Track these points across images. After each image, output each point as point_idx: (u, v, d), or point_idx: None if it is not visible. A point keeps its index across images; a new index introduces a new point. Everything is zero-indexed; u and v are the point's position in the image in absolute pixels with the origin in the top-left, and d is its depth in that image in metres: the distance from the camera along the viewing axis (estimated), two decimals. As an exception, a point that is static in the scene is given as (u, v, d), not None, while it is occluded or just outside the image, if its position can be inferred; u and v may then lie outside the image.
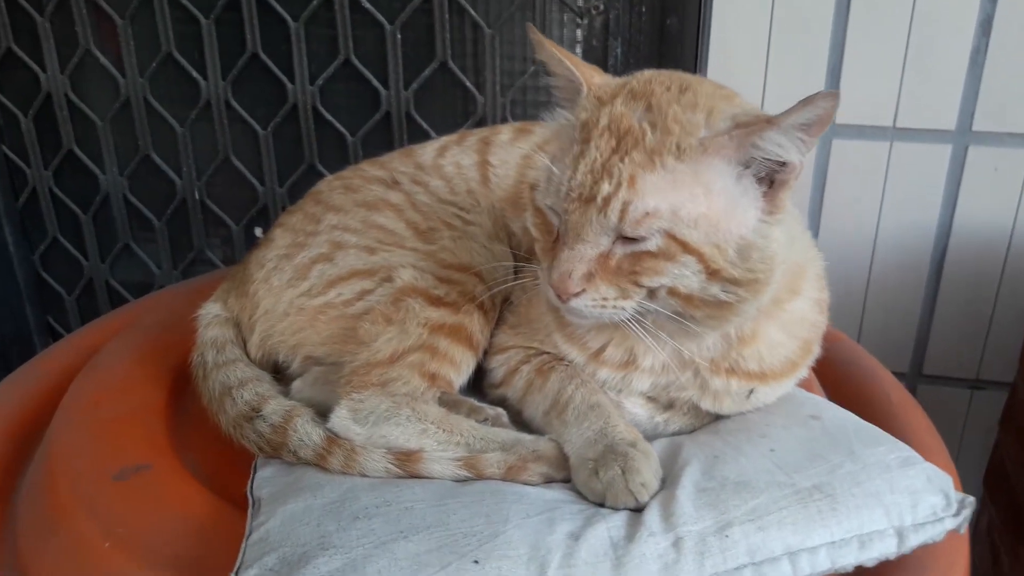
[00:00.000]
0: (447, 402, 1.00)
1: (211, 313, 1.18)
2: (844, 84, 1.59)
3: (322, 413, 1.00)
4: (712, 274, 0.83)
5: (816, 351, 1.04)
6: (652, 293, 0.85)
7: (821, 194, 1.69)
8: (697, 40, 1.62)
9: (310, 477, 0.91)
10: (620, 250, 0.84)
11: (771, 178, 0.84)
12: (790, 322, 0.98)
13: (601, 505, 0.85)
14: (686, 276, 0.83)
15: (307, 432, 0.96)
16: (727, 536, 0.78)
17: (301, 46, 1.77)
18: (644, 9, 1.65)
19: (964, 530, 0.86)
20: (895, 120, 1.60)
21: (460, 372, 1.04)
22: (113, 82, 1.87)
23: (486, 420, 0.98)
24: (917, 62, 1.55)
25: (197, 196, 1.95)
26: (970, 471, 1.79)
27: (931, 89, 1.57)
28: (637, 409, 1.00)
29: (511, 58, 1.75)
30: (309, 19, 1.74)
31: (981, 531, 1.72)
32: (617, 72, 1.73)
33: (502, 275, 1.06)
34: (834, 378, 1.30)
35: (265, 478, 0.94)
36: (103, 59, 1.85)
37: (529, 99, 1.79)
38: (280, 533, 0.81)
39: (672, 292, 0.84)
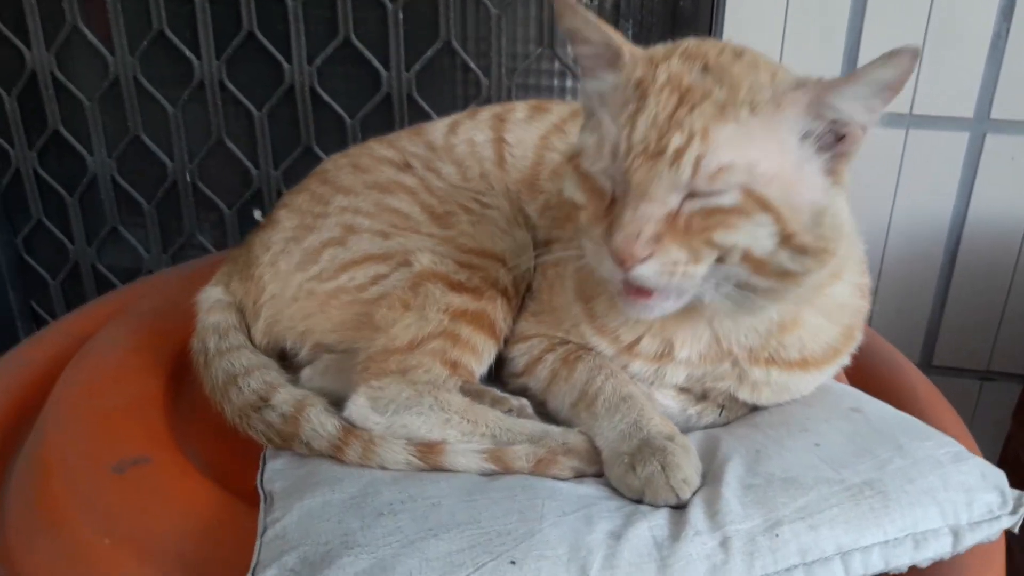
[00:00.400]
0: (469, 392, 0.95)
1: (212, 297, 1.12)
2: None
3: (334, 403, 0.95)
4: (785, 239, 0.77)
5: (858, 338, 0.99)
6: (723, 260, 0.78)
7: (834, 182, 1.65)
8: (711, 21, 1.57)
9: (325, 470, 0.86)
10: (690, 208, 0.76)
11: (833, 146, 0.79)
12: (832, 307, 0.94)
13: (639, 502, 0.80)
14: (760, 237, 0.76)
15: (321, 423, 0.90)
16: (777, 535, 0.74)
17: (299, 25, 1.71)
18: (656, -11, 1.61)
19: (1018, 529, 0.82)
20: (912, 107, 1.57)
21: (482, 361, 0.99)
22: (102, 60, 1.80)
23: (510, 411, 0.93)
24: (936, 47, 1.52)
25: (189, 179, 1.89)
26: (981, 465, 1.76)
27: (949, 75, 1.53)
28: (669, 401, 0.95)
29: (517, 40, 1.69)
30: (308, -3, 1.68)
31: (993, 526, 1.70)
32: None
33: (525, 260, 1.01)
34: (857, 370, 1.26)
35: (276, 470, 0.88)
36: (91, 36, 1.78)
37: (532, 83, 1.74)
38: (299, 530, 0.76)
39: (745, 257, 0.77)
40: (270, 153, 1.84)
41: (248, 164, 1.86)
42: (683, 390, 0.97)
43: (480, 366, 0.99)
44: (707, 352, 0.92)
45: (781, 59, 1.55)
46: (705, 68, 0.78)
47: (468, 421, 0.90)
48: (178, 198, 1.92)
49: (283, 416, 0.92)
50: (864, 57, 1.55)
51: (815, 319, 0.93)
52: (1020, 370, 1.68)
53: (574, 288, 0.98)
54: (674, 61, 0.79)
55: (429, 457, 0.86)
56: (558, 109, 1.19)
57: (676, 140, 0.75)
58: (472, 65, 1.70)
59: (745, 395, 0.95)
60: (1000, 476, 0.84)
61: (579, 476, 0.86)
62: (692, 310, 0.87)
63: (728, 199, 0.76)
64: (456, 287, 0.98)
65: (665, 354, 0.93)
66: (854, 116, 0.77)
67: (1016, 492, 0.83)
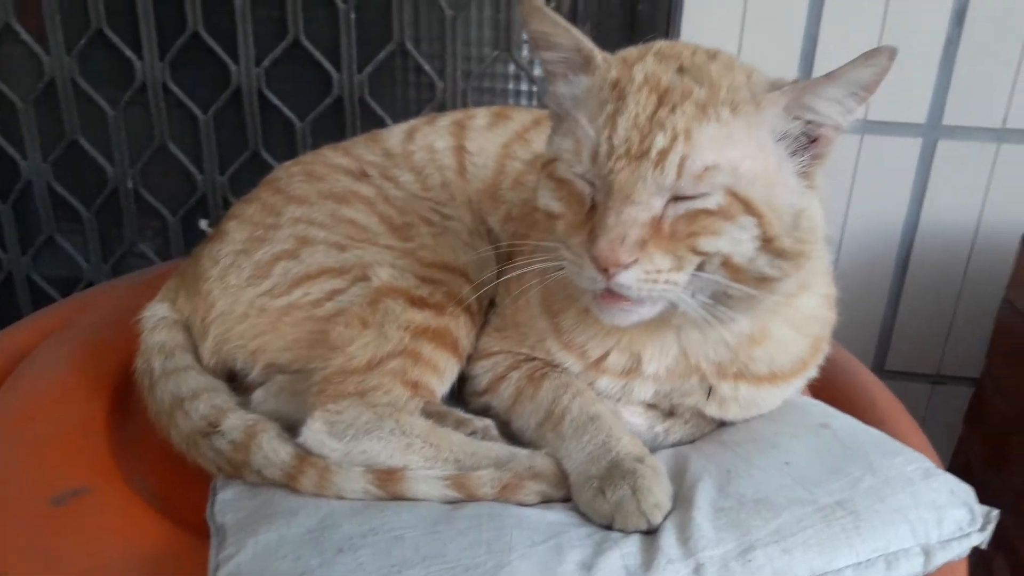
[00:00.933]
0: (431, 413, 0.91)
1: (157, 315, 1.07)
2: (816, 74, 1.55)
3: (289, 427, 0.90)
4: (766, 243, 0.76)
5: (826, 349, 0.99)
6: (702, 266, 0.76)
7: (789, 188, 1.65)
8: (668, 26, 1.56)
9: (280, 500, 0.82)
10: (673, 211, 0.74)
11: (807, 149, 0.79)
12: (800, 319, 0.93)
13: (609, 528, 0.78)
14: (742, 242, 0.75)
15: (274, 449, 0.86)
16: (750, 560, 0.72)
17: (246, 25, 1.65)
18: (614, -7, 1.60)
19: (986, 545, 0.82)
20: (866, 112, 1.57)
21: (444, 380, 0.95)
22: (36, 60, 1.71)
23: (474, 433, 0.90)
24: (890, 54, 1.53)
25: (130, 185, 1.81)
26: (933, 467, 1.79)
27: (903, 82, 1.55)
28: (637, 419, 0.93)
29: (472, 42, 1.66)
30: (256, -4, 1.63)
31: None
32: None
33: (488, 275, 0.98)
34: (817, 379, 1.26)
35: (227, 501, 0.84)
36: (24, 35, 1.69)
37: (487, 86, 1.71)
38: (253, 568, 0.72)
39: (725, 263, 0.76)
40: (216, 158, 1.78)
41: (193, 169, 1.79)
42: (650, 407, 0.95)
43: (442, 385, 0.96)
44: (675, 367, 0.91)
45: (738, 65, 1.56)
46: (681, 69, 0.77)
47: (431, 445, 0.87)
48: (119, 205, 1.83)
49: (233, 443, 0.88)
50: (820, 64, 1.55)
51: (784, 331, 0.92)
52: (970, 374, 1.70)
53: (539, 302, 0.95)
54: (649, 61, 0.78)
55: (388, 485, 0.83)
56: (520, 116, 1.16)
57: (660, 141, 0.73)
58: (426, 67, 1.67)
59: (713, 411, 0.94)
60: (968, 492, 0.85)
61: (546, 501, 0.84)
62: (661, 323, 0.85)
63: (713, 201, 0.75)
64: (417, 303, 0.94)
65: (633, 369, 0.91)
66: (830, 116, 0.77)
67: (984, 508, 0.83)
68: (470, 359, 1.00)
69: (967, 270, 1.67)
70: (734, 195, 0.74)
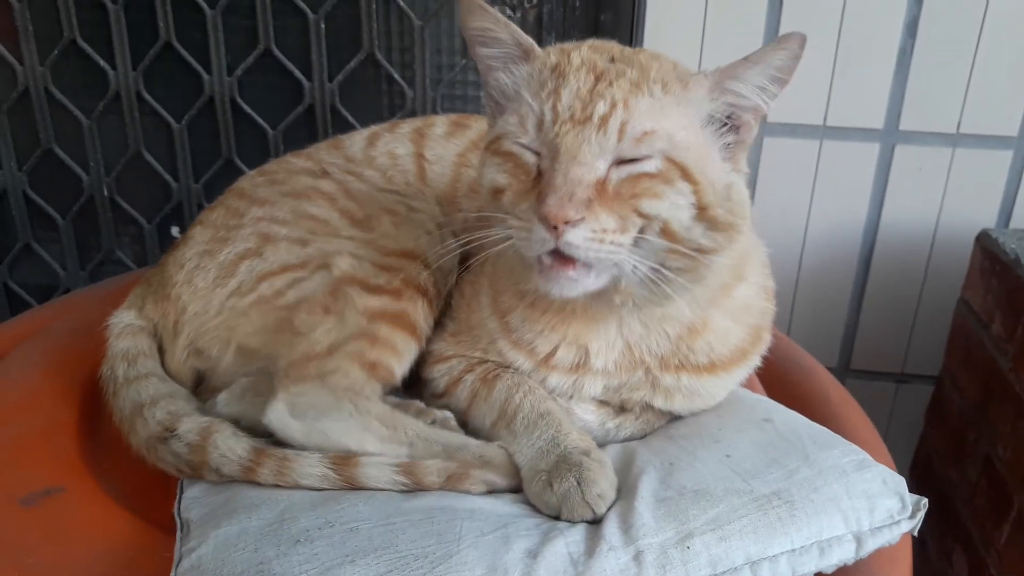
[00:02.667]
0: (394, 404, 0.94)
1: (123, 322, 1.09)
2: (776, 82, 1.59)
3: (250, 429, 0.93)
4: (701, 210, 0.80)
5: (767, 339, 1.02)
6: (643, 233, 0.80)
7: (752, 191, 1.69)
8: (631, 37, 1.60)
9: (244, 496, 0.84)
10: (616, 175, 0.79)
11: (729, 135, 0.84)
12: (737, 309, 0.97)
13: (556, 518, 0.81)
14: (680, 207, 0.79)
15: (229, 447, 0.89)
16: (688, 548, 0.76)
17: (218, 35, 1.68)
18: (578, 4, 1.63)
19: (916, 531, 0.86)
20: (825, 119, 1.61)
21: (402, 360, 0.99)
22: (10, 70, 1.73)
23: (434, 422, 0.93)
24: (846, 62, 1.57)
25: (106, 193, 1.83)
26: (897, 463, 1.82)
27: (860, 89, 1.58)
28: (588, 415, 0.96)
29: (442, 51, 1.69)
30: (227, 7, 1.65)
31: (908, 523, 1.76)
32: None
33: (449, 262, 1.02)
34: (772, 376, 1.29)
35: (193, 498, 0.87)
36: (-2, 45, 1.72)
37: (459, 93, 1.74)
38: (214, 560, 0.75)
39: (665, 229, 0.79)
40: (190, 166, 1.80)
41: (167, 177, 1.81)
42: (602, 403, 0.98)
43: (400, 365, 0.99)
44: (621, 360, 0.94)
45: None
46: (612, 58, 0.83)
47: (387, 427, 0.91)
48: (95, 213, 1.86)
49: (189, 445, 0.91)
50: (779, 71, 1.58)
51: (723, 322, 0.95)
52: (933, 372, 1.74)
53: (489, 303, 0.99)
54: (584, 50, 0.84)
55: (344, 469, 0.86)
56: (477, 125, 1.19)
57: (600, 108, 0.78)
58: (396, 76, 1.69)
59: (660, 403, 0.97)
60: (900, 482, 0.88)
61: (492, 491, 0.87)
62: (604, 311, 0.90)
63: (652, 165, 0.79)
64: (375, 290, 0.98)
65: (581, 364, 0.95)
66: (749, 98, 0.82)
67: (915, 497, 0.87)
68: (427, 362, 1.03)
69: (927, 271, 1.71)
70: (671, 160, 0.79)
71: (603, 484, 0.82)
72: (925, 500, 0.87)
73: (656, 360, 0.94)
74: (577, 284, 0.81)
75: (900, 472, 1.74)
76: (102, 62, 1.71)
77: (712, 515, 0.79)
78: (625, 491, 0.84)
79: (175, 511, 0.87)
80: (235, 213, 1.08)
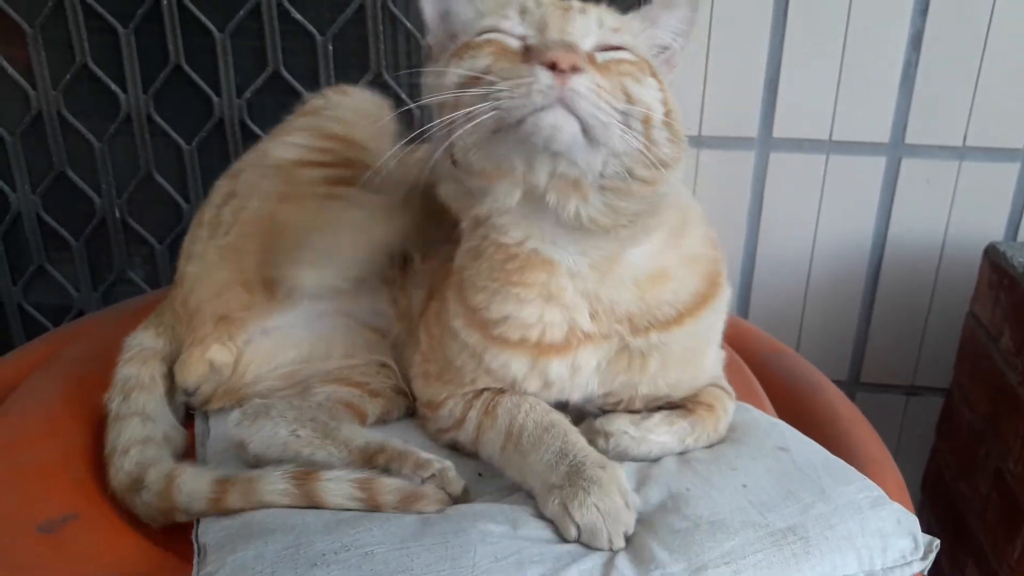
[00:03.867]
0: (390, 453, 0.92)
1: (135, 345, 1.11)
2: (781, 99, 1.61)
3: (256, 456, 0.94)
4: (667, 114, 0.83)
5: (725, 287, 1.01)
6: (627, 116, 0.79)
7: (760, 206, 1.70)
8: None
9: (259, 521, 0.85)
10: (602, 57, 0.81)
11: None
12: (688, 257, 0.96)
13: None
14: (656, 101, 0.82)
15: (192, 488, 0.90)
16: (701, 581, 0.76)
17: (227, 57, 1.70)
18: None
19: (927, 572, 0.86)
20: (831, 133, 1.62)
21: None
22: (23, 95, 1.75)
23: (432, 476, 0.89)
24: (851, 77, 1.58)
25: (118, 214, 1.85)
26: (908, 476, 1.81)
27: (865, 103, 1.59)
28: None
29: (448, 70, 1.71)
30: (236, 30, 1.67)
31: (921, 536, 1.76)
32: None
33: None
34: (782, 393, 1.30)
35: (210, 524, 0.87)
36: (11, 70, 1.73)
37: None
38: (230, 583, 0.75)
39: (645, 120, 0.80)
40: (200, 187, 1.82)
41: (178, 198, 1.83)
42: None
43: None
44: (595, 323, 0.93)
45: (704, 92, 1.61)
46: None
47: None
48: (107, 234, 1.87)
49: (157, 494, 0.92)
50: (784, 87, 1.60)
51: (679, 269, 0.95)
52: (943, 384, 1.74)
53: (461, 318, 0.96)
54: None
55: (304, 484, 0.87)
56: None
57: (576, 3, 0.85)
58: (404, 96, 1.71)
59: (645, 386, 0.97)
60: (914, 522, 0.88)
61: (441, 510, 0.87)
62: (548, 250, 0.88)
63: (629, 55, 0.83)
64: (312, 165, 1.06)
65: (571, 333, 0.93)
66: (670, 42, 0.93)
67: (927, 538, 0.87)
68: (424, 408, 1.05)
69: (935, 283, 1.71)
70: (642, 58, 0.84)
71: (625, 516, 0.82)
72: (937, 541, 0.87)
73: (626, 324, 0.93)
74: (568, 125, 0.76)
75: (912, 485, 1.75)
76: (113, 86, 1.73)
77: (727, 548, 0.79)
78: (639, 518, 0.83)
79: (193, 536, 0.87)
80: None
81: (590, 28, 0.82)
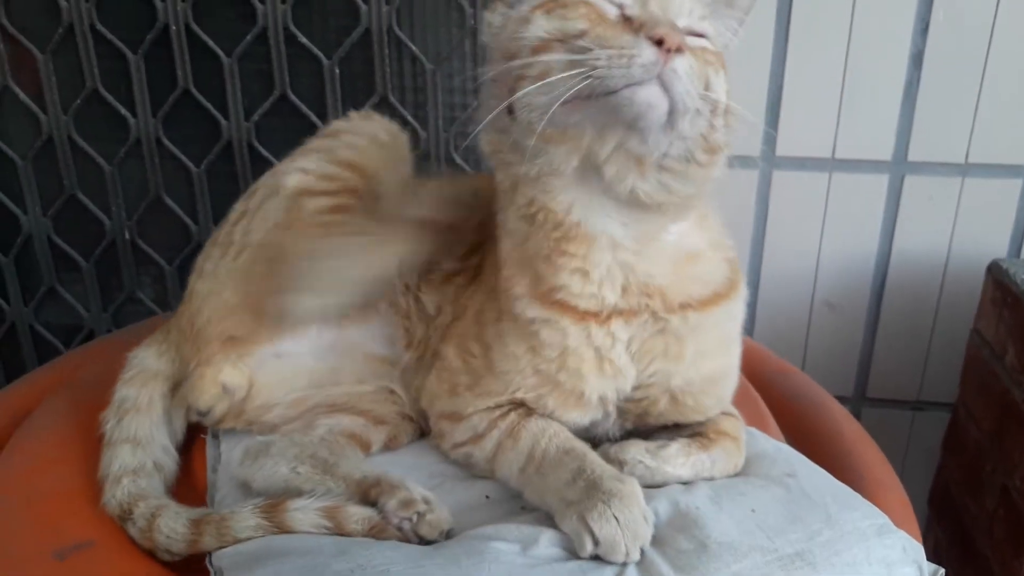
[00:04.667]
0: (390, 486, 0.93)
1: (138, 363, 1.13)
2: (783, 118, 1.62)
3: (260, 493, 0.96)
4: (726, 106, 0.84)
5: (742, 278, 1.01)
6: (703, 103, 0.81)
7: (764, 224, 1.71)
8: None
9: (276, 545, 0.86)
10: (691, 42, 0.81)
11: None
12: (716, 243, 0.98)
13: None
14: (723, 93, 0.83)
15: (171, 528, 0.92)
16: (708, 599, 0.77)
17: (235, 81, 1.72)
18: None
19: None
20: (834, 151, 1.63)
21: None
22: (34, 120, 1.78)
23: (417, 515, 0.89)
24: (853, 95, 1.59)
25: (127, 236, 1.87)
26: (915, 491, 1.82)
27: (867, 121, 1.60)
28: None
29: (453, 92, 1.73)
30: (243, 54, 1.69)
31: (928, 554, 1.76)
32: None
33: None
34: (787, 413, 1.31)
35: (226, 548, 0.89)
36: (23, 96, 1.76)
37: (471, 131, 1.76)
38: (248, 603, 0.77)
39: (714, 109, 0.82)
40: (209, 209, 1.84)
41: (187, 220, 1.85)
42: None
43: None
44: (627, 297, 0.92)
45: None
46: None
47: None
48: (117, 256, 1.89)
49: (141, 530, 0.94)
50: (786, 106, 1.61)
51: (709, 251, 0.96)
52: (949, 400, 1.74)
53: (527, 284, 0.94)
54: None
55: (274, 516, 0.88)
56: None
57: None
58: (409, 118, 1.73)
59: (678, 378, 0.96)
60: (919, 550, 0.89)
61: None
62: (597, 221, 0.88)
63: (710, 45, 0.84)
64: (321, 194, 1.07)
65: (602, 305, 0.92)
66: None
67: (932, 566, 0.88)
68: (443, 421, 1.05)
69: (940, 300, 1.72)
70: (716, 52, 0.84)
71: (643, 529, 0.83)
72: (942, 571, 0.88)
73: (659, 299, 0.92)
74: (661, 103, 0.77)
75: (919, 501, 1.75)
76: (123, 110, 1.75)
77: (735, 570, 0.80)
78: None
79: (208, 560, 0.89)
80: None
81: (684, 10, 0.83)
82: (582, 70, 0.76)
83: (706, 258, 0.95)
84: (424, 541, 0.88)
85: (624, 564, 0.81)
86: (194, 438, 1.14)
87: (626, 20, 0.79)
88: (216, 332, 1.08)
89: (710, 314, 0.95)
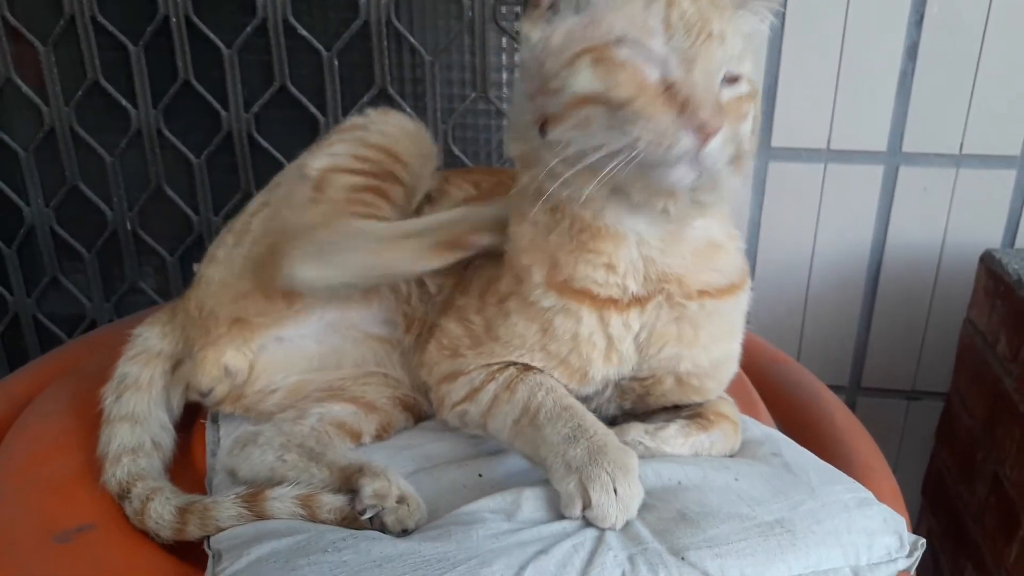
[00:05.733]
0: (371, 474, 0.93)
1: (142, 341, 1.15)
2: (779, 109, 1.63)
3: (247, 481, 0.98)
4: (754, 121, 0.87)
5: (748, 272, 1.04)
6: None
7: (759, 215, 1.72)
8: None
9: (271, 527, 0.88)
10: (726, 94, 0.82)
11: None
12: (731, 233, 0.99)
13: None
14: (750, 123, 0.86)
15: (159, 515, 0.94)
16: (683, 558, 0.79)
17: (235, 73, 1.73)
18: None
19: (914, 571, 0.88)
20: (829, 142, 1.64)
21: (383, 213, 1.07)
22: (36, 111, 1.79)
23: (383, 508, 0.89)
24: (848, 86, 1.60)
25: (129, 227, 1.89)
26: (910, 480, 1.84)
27: (862, 112, 1.61)
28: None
29: (452, 83, 1.74)
30: (243, 46, 1.71)
31: (921, 540, 1.77)
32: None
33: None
34: (780, 401, 1.32)
35: (224, 531, 0.91)
36: (25, 87, 1.78)
37: (470, 122, 1.78)
38: (248, 572, 0.79)
39: (739, 143, 0.84)
40: (210, 199, 1.86)
41: (188, 211, 1.87)
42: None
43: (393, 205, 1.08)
44: (645, 284, 0.94)
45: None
46: None
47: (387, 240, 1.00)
48: (119, 246, 1.91)
49: (136, 511, 0.96)
50: (782, 97, 1.62)
51: (728, 242, 0.98)
52: (943, 389, 1.76)
53: (544, 279, 0.96)
54: None
55: (255, 505, 0.90)
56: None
57: (716, 25, 0.81)
58: (408, 110, 1.74)
59: (687, 362, 0.97)
60: (900, 522, 0.90)
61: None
62: (625, 227, 0.91)
63: (745, 87, 0.84)
64: (351, 172, 1.07)
65: (624, 293, 0.94)
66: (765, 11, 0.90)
67: (913, 536, 0.89)
68: (441, 380, 1.04)
69: (934, 290, 1.73)
70: (750, 81, 0.85)
71: (636, 504, 0.84)
72: (923, 540, 0.89)
73: (677, 284, 0.94)
74: (690, 175, 0.82)
75: (913, 489, 1.77)
76: (124, 101, 1.77)
77: (712, 534, 0.81)
78: None
79: (206, 545, 0.90)
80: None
81: (723, 62, 0.81)
82: (618, 146, 0.80)
83: (725, 249, 0.97)
84: (399, 534, 0.89)
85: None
86: (194, 421, 1.16)
87: (668, 88, 0.80)
88: (224, 316, 1.09)
89: (725, 302, 0.97)
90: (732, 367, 1.07)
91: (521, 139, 0.92)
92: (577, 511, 0.84)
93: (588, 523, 0.84)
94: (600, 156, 0.81)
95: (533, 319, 0.97)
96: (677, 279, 0.94)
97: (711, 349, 0.99)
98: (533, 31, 0.89)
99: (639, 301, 0.94)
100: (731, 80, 0.83)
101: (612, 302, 0.94)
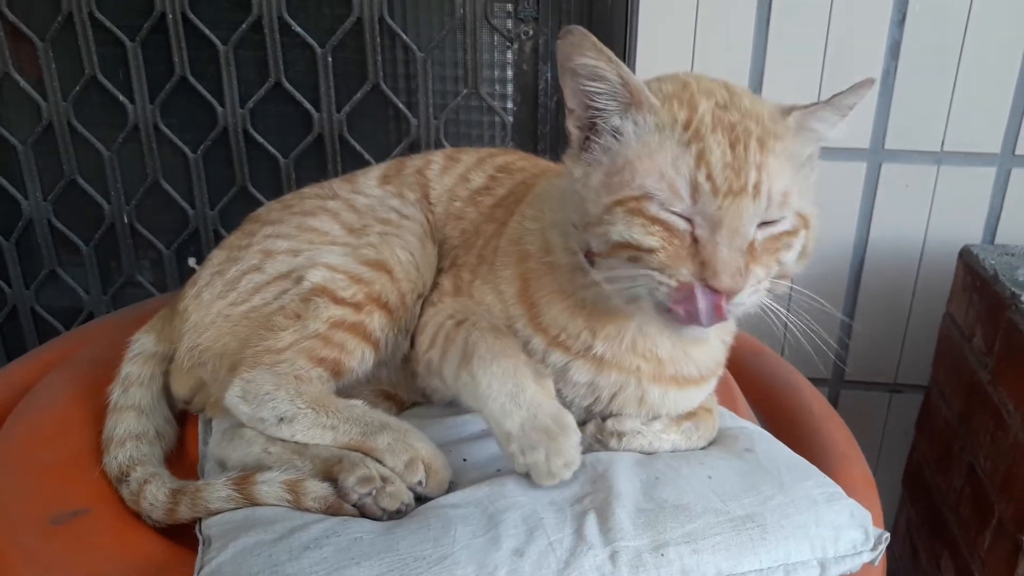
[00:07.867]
0: (351, 463, 0.96)
1: (139, 346, 1.18)
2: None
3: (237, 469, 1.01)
4: (804, 247, 0.89)
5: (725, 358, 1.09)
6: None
7: (745, 210, 1.75)
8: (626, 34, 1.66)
9: (260, 515, 0.91)
10: (760, 234, 0.84)
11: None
12: (723, 327, 1.03)
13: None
14: (796, 251, 0.88)
15: (154, 496, 0.98)
16: (662, 555, 0.82)
17: (231, 69, 1.76)
18: (572, 34, 1.69)
19: (879, 563, 0.92)
20: (812, 139, 1.67)
21: (353, 358, 1.06)
22: (34, 106, 1.83)
23: (376, 489, 0.93)
24: (831, 84, 1.62)
25: (126, 221, 1.92)
26: (891, 471, 1.88)
27: (845, 110, 1.64)
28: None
29: (445, 79, 1.77)
30: (239, 42, 1.73)
31: (900, 530, 1.81)
32: (547, 97, 1.77)
33: (421, 275, 1.11)
34: (760, 392, 1.36)
35: (213, 517, 0.94)
36: (23, 82, 1.81)
37: (463, 118, 1.81)
38: (232, 564, 0.82)
39: (781, 272, 0.88)
40: (206, 194, 1.89)
41: (184, 205, 1.90)
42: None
43: (352, 361, 1.06)
44: (619, 357, 0.99)
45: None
46: (722, 104, 0.86)
47: (315, 410, 0.99)
48: (116, 240, 1.95)
49: (132, 493, 1.00)
50: (766, 95, 1.64)
51: (714, 338, 1.03)
52: (924, 382, 1.79)
53: (517, 294, 1.02)
54: (701, 101, 0.86)
55: (244, 489, 0.94)
56: (466, 158, 1.25)
57: (752, 176, 0.82)
58: (400, 106, 1.77)
59: (639, 409, 1.02)
60: (866, 516, 0.94)
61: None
62: (632, 312, 0.94)
63: (788, 223, 0.86)
64: (339, 302, 1.06)
65: (585, 348, 0.99)
66: (821, 132, 0.90)
67: (878, 531, 0.92)
68: (420, 330, 1.10)
69: (916, 285, 1.76)
70: (800, 215, 0.86)
71: (570, 453, 0.89)
72: (887, 534, 0.92)
73: (650, 368, 0.99)
74: (706, 331, 0.88)
75: (893, 480, 1.80)
76: (121, 97, 1.80)
77: (689, 529, 0.85)
78: (608, 497, 0.89)
79: (197, 529, 0.94)
80: (247, 234, 1.17)
81: (759, 213, 0.82)
82: (648, 287, 0.84)
83: (709, 344, 1.02)
84: (391, 515, 0.93)
85: (586, 512, 0.87)
86: (188, 412, 1.19)
87: (695, 242, 0.83)
88: (196, 356, 1.12)
89: (687, 392, 1.04)
90: (702, 397, 1.10)
91: (562, 233, 0.97)
92: (521, 469, 0.90)
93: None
94: (636, 287, 0.85)
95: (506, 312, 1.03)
96: (657, 359, 0.99)
97: (672, 409, 1.05)
98: (575, 168, 0.92)
99: (613, 366, 0.99)
100: (772, 222, 0.84)
101: (582, 353, 1.00)
